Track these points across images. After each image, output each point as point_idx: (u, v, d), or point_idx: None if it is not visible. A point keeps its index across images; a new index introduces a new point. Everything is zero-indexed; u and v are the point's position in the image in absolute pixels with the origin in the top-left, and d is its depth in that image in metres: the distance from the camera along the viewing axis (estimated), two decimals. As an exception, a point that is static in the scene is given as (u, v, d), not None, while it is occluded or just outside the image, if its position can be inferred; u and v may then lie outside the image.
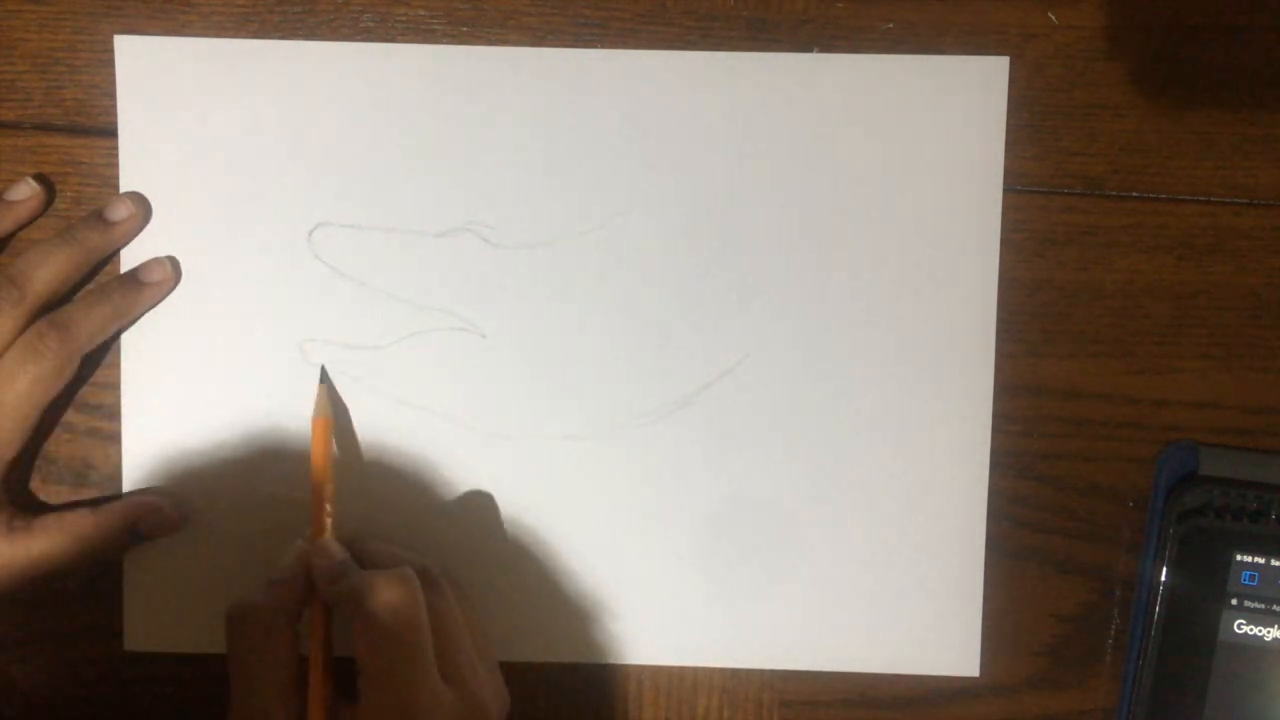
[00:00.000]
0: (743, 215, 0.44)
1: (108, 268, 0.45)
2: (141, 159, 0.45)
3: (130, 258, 0.45)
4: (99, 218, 0.44)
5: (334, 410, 0.44)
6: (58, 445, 0.45)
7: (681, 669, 0.45)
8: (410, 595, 0.38)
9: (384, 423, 0.45)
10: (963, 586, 0.45)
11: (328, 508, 0.42)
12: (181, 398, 0.45)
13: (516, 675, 0.44)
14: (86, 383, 0.45)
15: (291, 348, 0.45)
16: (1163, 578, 0.43)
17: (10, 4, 0.45)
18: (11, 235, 0.45)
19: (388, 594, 0.38)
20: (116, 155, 0.45)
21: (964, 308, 0.44)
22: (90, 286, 0.45)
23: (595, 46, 0.44)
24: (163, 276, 0.44)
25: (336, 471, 0.44)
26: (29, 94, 0.45)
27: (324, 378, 0.44)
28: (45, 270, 0.42)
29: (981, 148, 0.44)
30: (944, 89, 0.44)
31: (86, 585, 0.45)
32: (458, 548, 0.45)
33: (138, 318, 0.44)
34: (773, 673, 0.45)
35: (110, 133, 0.45)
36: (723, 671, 0.45)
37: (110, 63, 0.44)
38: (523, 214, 0.45)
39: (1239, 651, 0.42)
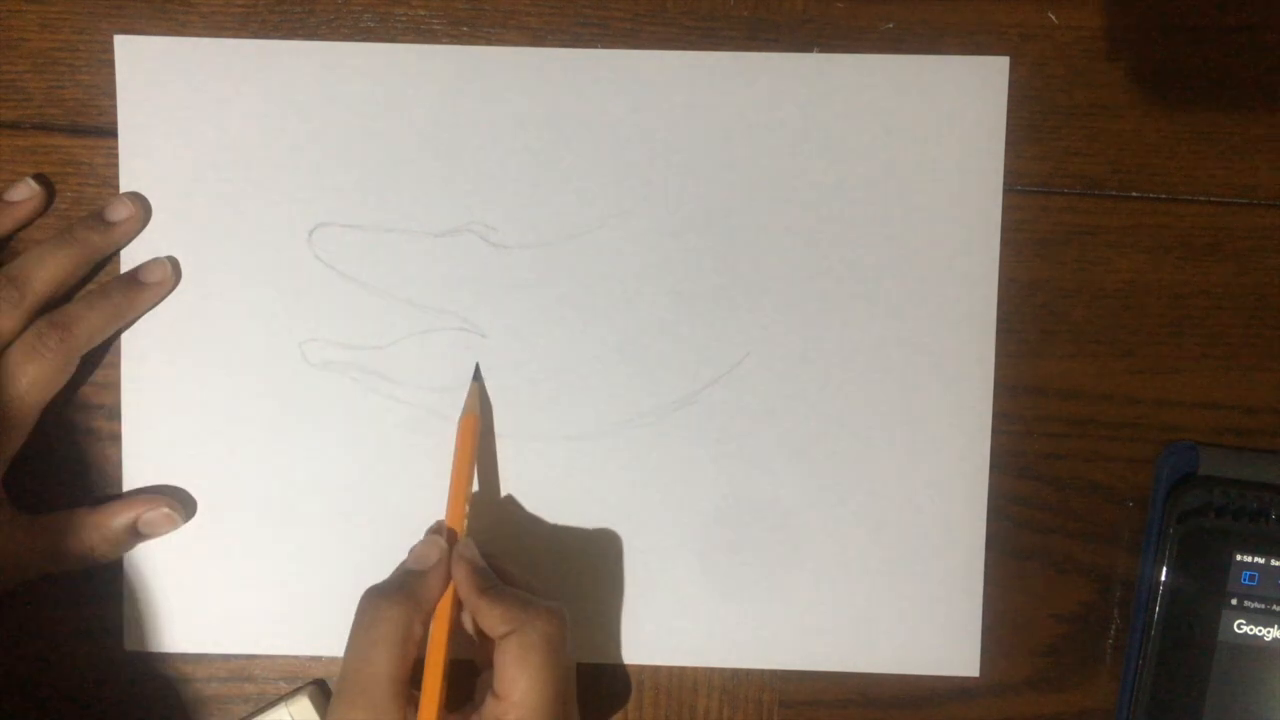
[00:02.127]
0: (743, 215, 0.44)
1: (108, 268, 0.45)
2: (141, 159, 0.45)
3: (130, 258, 0.45)
4: (99, 218, 0.44)
5: (481, 410, 0.44)
6: (58, 445, 0.45)
7: (681, 669, 0.45)
8: (565, 633, 0.39)
9: (384, 423, 0.45)
10: (963, 586, 0.45)
11: (466, 509, 0.42)
12: (181, 398, 0.45)
13: (516, 675, 0.44)
14: (86, 383, 0.45)
15: (291, 348, 0.45)
16: (1163, 578, 0.43)
17: (10, 4, 0.45)
18: (11, 235, 0.45)
19: (549, 626, 0.38)
20: (116, 155, 0.45)
21: (964, 308, 0.44)
22: (90, 286, 0.45)
23: (595, 46, 0.44)
24: (163, 276, 0.44)
25: (351, 468, 0.44)
26: (29, 94, 0.45)
27: (477, 375, 0.44)
28: (45, 270, 0.42)
29: (981, 148, 0.44)
30: (944, 89, 0.44)
31: (86, 585, 0.45)
32: (458, 548, 0.45)
33: (138, 318, 0.44)
34: (773, 673, 0.45)
35: (110, 133, 0.45)
36: (723, 671, 0.45)
37: (110, 63, 0.44)
38: (523, 214, 0.45)
39: (1239, 651, 0.42)
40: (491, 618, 0.38)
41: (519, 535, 0.45)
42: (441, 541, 0.41)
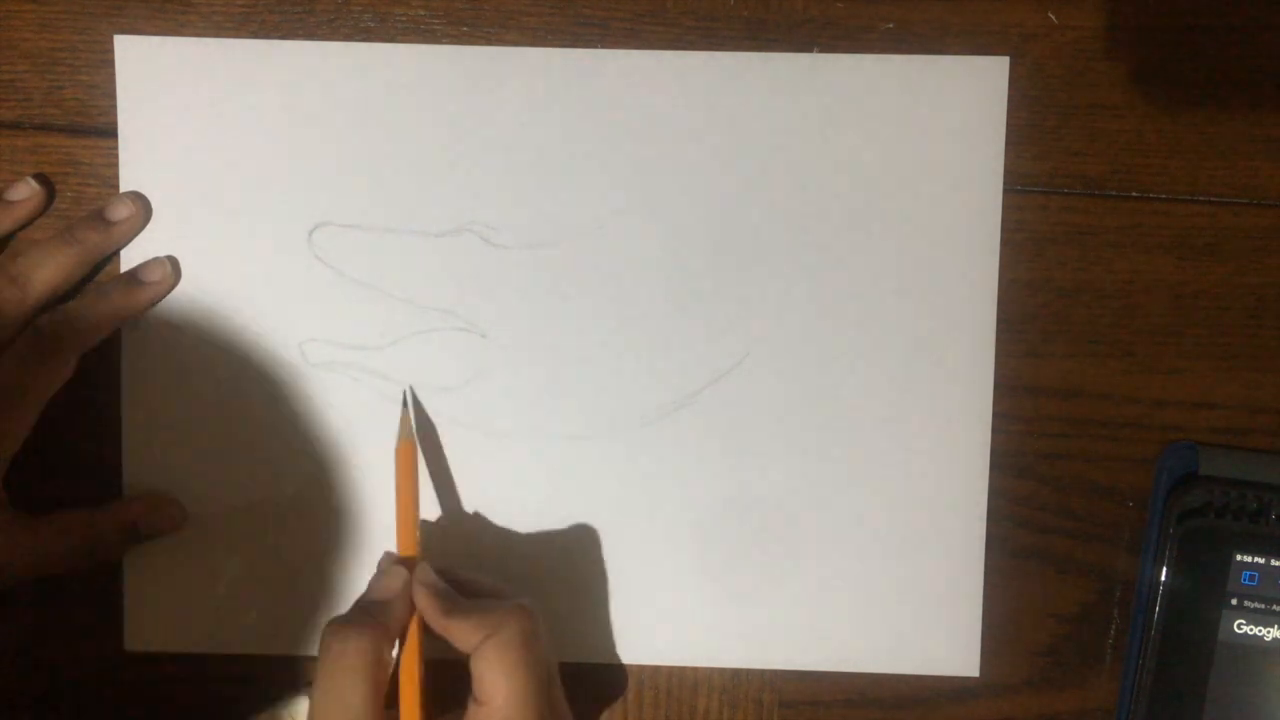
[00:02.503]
0: (743, 215, 0.44)
1: (108, 268, 0.45)
2: (141, 159, 0.45)
3: (130, 258, 0.45)
4: (99, 218, 0.44)
5: (419, 428, 0.44)
6: (58, 445, 0.45)
7: (681, 669, 0.45)
8: (537, 627, 0.38)
9: (384, 423, 0.45)
10: (962, 586, 0.45)
11: (417, 535, 0.41)
12: (182, 397, 0.45)
13: (516, 675, 0.44)
14: (86, 383, 0.45)
15: (291, 348, 0.45)
16: (1163, 578, 0.43)
17: (10, 4, 0.45)
18: (11, 235, 0.45)
19: (520, 624, 0.38)
20: (116, 155, 0.45)
21: (964, 308, 0.44)
22: (90, 286, 0.45)
23: (595, 46, 0.44)
24: (163, 276, 0.44)
25: (350, 468, 0.44)
26: (29, 94, 0.45)
27: (406, 402, 0.44)
28: (45, 270, 0.42)
29: (981, 148, 0.44)
30: (944, 89, 0.44)
31: (86, 585, 0.45)
32: (458, 548, 0.45)
33: (138, 317, 0.44)
34: (773, 673, 0.45)
35: (110, 133, 0.45)
36: (723, 671, 0.45)
37: (110, 63, 0.44)
38: (523, 214, 0.45)
39: (1239, 651, 0.42)
40: (462, 633, 0.38)
41: (518, 535, 0.45)
42: (401, 570, 0.40)
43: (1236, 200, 0.45)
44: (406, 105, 0.44)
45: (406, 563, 0.41)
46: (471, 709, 0.38)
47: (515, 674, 0.37)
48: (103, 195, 0.45)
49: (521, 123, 0.44)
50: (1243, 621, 0.42)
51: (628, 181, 0.44)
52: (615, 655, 0.45)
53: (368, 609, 0.39)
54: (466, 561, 0.44)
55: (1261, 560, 0.42)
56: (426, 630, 0.39)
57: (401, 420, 0.44)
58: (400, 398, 0.45)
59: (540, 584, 0.45)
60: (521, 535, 0.45)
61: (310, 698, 0.38)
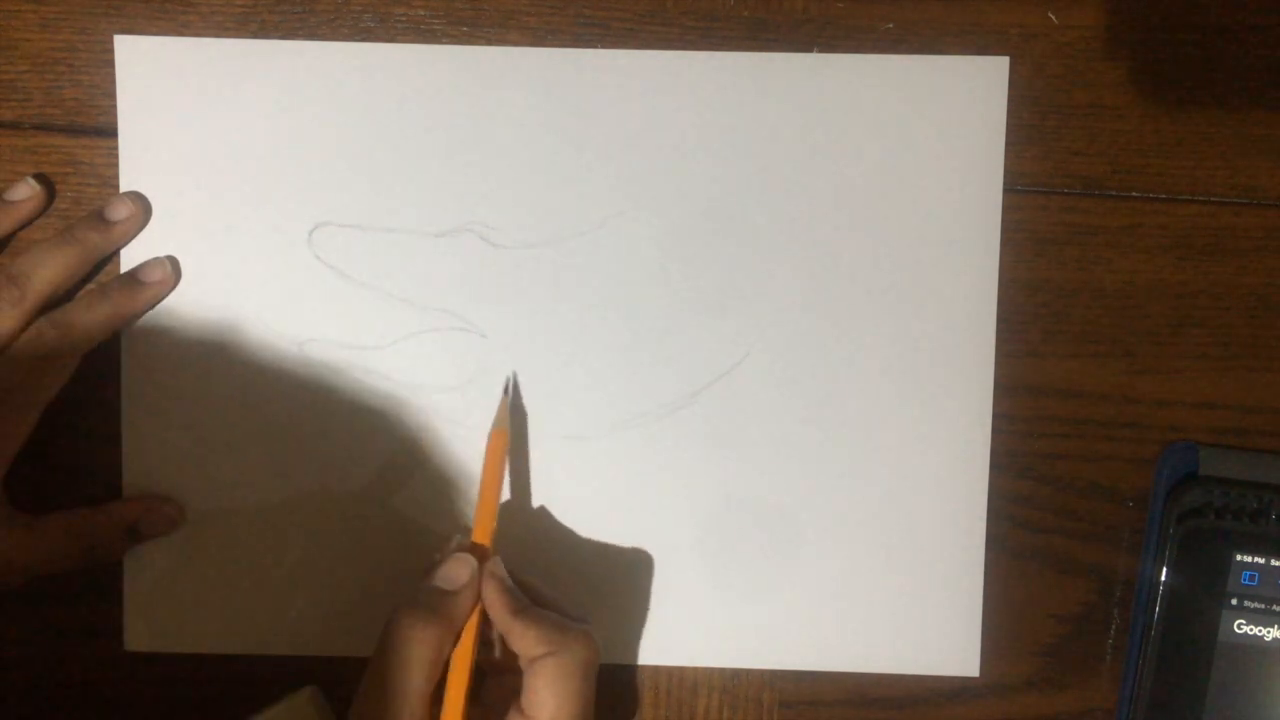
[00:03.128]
0: (743, 215, 0.44)
1: (108, 268, 0.45)
2: (141, 159, 0.45)
3: (130, 258, 0.45)
4: (99, 218, 0.44)
5: (511, 421, 0.44)
6: (58, 445, 0.45)
7: (681, 669, 0.45)
8: (597, 659, 0.38)
9: (384, 423, 0.45)
10: (963, 587, 0.45)
11: (494, 525, 0.41)
12: (181, 398, 0.45)
13: (516, 675, 0.44)
14: (86, 383, 0.45)
15: (291, 348, 0.45)
16: (1163, 578, 0.43)
17: (10, 4, 0.45)
18: (11, 235, 0.45)
19: (585, 652, 0.38)
20: (116, 155, 0.45)
21: (964, 308, 0.44)
22: (90, 286, 0.45)
23: (595, 46, 0.44)
24: (163, 276, 0.44)
25: (350, 469, 0.44)
26: (29, 94, 0.45)
27: (508, 389, 0.44)
28: (45, 270, 0.42)
29: (981, 148, 0.44)
30: (944, 89, 0.44)
31: (86, 585, 0.45)
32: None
33: (138, 317, 0.44)
34: (773, 673, 0.45)
35: (110, 133, 0.45)
36: (723, 671, 0.45)
37: (110, 63, 0.44)
38: (523, 214, 0.45)
39: (1239, 651, 0.42)
40: (526, 640, 0.38)
41: (517, 535, 0.45)
42: (471, 560, 0.40)
43: (1236, 200, 0.45)
44: (406, 105, 0.44)
45: (478, 551, 0.40)
46: (514, 716, 0.38)
47: (568, 700, 0.37)
48: (103, 195, 0.45)
49: (521, 123, 0.44)
50: (1243, 621, 0.42)
51: (628, 181, 0.44)
52: (615, 655, 0.45)
53: (436, 600, 0.38)
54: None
55: (1261, 560, 0.42)
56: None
57: (500, 405, 0.43)
58: (402, 396, 0.45)
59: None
60: (519, 536, 0.45)
61: (368, 677, 0.38)
